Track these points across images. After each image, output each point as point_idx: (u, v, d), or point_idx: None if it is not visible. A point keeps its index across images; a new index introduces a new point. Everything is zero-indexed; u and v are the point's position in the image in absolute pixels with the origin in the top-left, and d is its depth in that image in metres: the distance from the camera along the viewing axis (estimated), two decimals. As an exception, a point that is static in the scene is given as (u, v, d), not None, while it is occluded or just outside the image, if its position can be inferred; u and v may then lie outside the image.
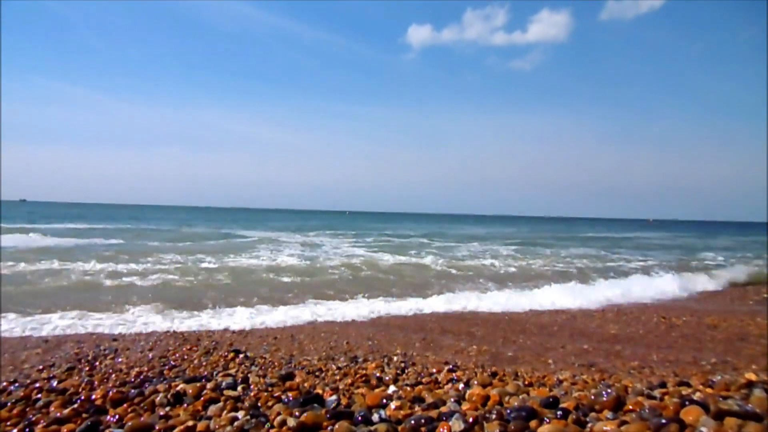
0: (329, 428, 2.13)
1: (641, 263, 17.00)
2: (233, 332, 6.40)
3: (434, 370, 4.47)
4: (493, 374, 4.34)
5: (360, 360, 4.96)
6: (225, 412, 2.55)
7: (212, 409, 2.61)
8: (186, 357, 5.03)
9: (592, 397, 2.35)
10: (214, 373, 4.13)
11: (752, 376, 3.05)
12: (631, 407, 2.20)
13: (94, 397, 3.02)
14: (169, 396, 2.86)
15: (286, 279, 11.28)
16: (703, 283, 12.21)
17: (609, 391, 2.36)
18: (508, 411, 2.18)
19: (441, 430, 2.01)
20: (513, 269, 14.44)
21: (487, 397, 2.59)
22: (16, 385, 3.70)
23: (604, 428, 1.90)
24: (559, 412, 2.15)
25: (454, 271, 13.55)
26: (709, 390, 2.70)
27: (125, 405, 2.82)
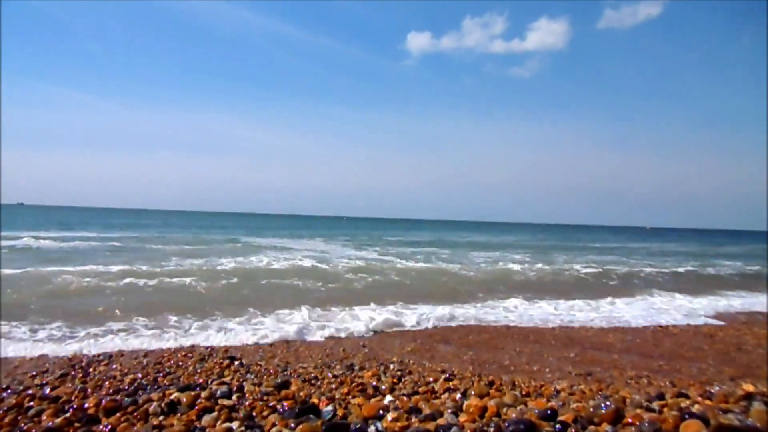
0: (325, 440, 2.10)
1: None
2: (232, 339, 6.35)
3: (431, 379, 4.44)
4: (490, 383, 4.32)
5: (356, 368, 4.93)
6: (219, 422, 2.52)
7: (206, 419, 2.58)
8: (181, 363, 4.98)
9: (591, 409, 2.33)
10: (209, 380, 4.09)
11: (750, 387, 3.04)
12: (630, 420, 2.18)
13: (86, 405, 2.97)
14: (162, 405, 2.82)
15: (312, 285, 11.13)
16: None
17: (608, 403, 2.34)
18: (507, 423, 2.15)
19: (438, 443, 1.98)
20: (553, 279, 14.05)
21: (484, 408, 2.56)
22: (9, 391, 3.65)
23: (604, 442, 1.88)
24: (557, 425, 2.13)
25: (488, 278, 13.41)
26: (708, 402, 2.69)
27: (118, 414, 2.78)
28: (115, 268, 11.80)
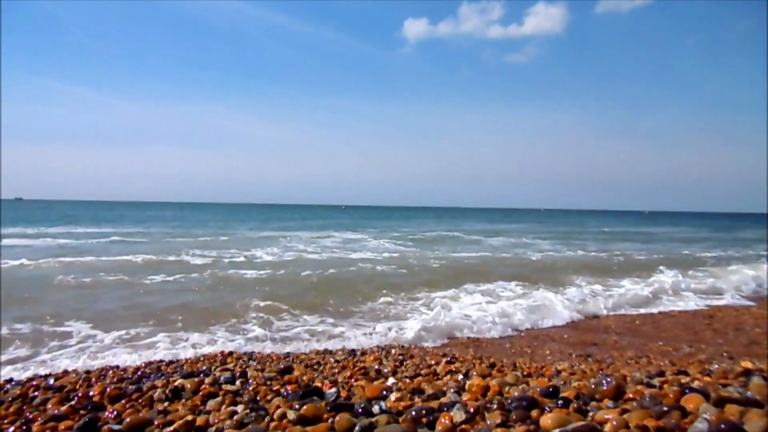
0: (330, 420, 2.11)
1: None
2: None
3: (432, 362, 4.47)
4: (491, 365, 4.35)
5: (358, 353, 4.96)
6: (224, 406, 2.53)
7: (211, 404, 2.59)
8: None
9: (592, 386, 2.35)
10: (212, 368, 4.11)
11: (749, 365, 3.06)
12: (631, 396, 2.20)
13: (91, 393, 2.99)
14: (167, 391, 2.84)
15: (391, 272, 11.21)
16: None
17: (608, 380, 2.36)
18: (509, 401, 2.17)
19: (442, 420, 1.99)
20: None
21: (486, 388, 2.58)
22: (13, 383, 3.67)
23: (606, 416, 1.89)
24: (560, 402, 2.14)
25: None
26: (707, 378, 2.71)
27: (123, 401, 2.79)
28: (139, 260, 11.82)
